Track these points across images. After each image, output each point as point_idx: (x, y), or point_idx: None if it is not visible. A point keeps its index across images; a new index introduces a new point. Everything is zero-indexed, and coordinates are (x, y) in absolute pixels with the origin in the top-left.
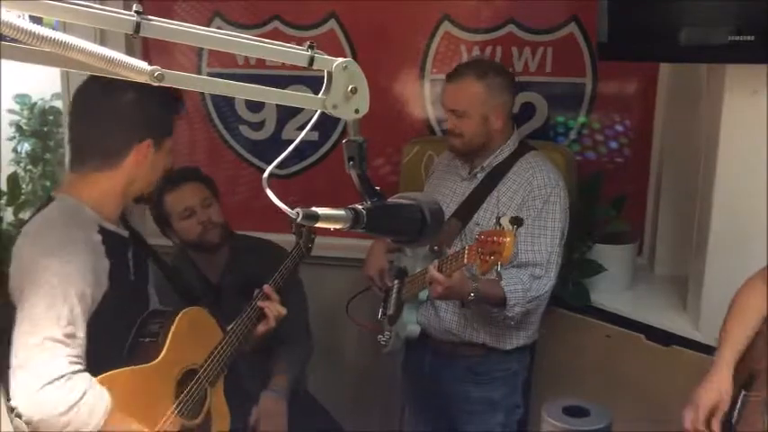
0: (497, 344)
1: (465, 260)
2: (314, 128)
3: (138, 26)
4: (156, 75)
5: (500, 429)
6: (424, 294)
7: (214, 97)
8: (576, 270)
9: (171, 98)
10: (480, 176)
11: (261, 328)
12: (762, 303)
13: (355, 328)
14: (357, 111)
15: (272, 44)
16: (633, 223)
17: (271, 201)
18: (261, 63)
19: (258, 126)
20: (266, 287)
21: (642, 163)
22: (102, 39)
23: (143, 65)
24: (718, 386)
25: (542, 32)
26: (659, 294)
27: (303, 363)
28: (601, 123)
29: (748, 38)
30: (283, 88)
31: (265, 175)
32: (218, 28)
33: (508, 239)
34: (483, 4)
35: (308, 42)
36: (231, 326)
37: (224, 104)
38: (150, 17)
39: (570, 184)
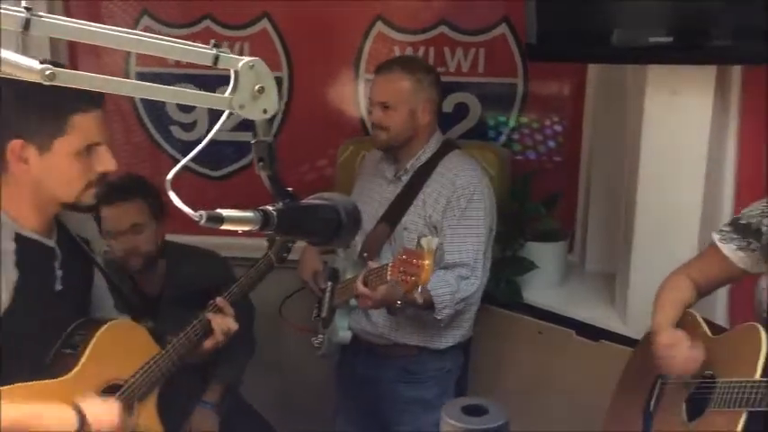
0: (430, 344)
1: (389, 277)
2: (249, 128)
3: (27, 23)
4: (47, 73)
5: (434, 429)
6: (354, 301)
7: (144, 98)
8: (508, 268)
9: (61, 97)
10: (405, 179)
11: (208, 342)
12: (680, 297)
13: (289, 329)
14: (265, 111)
15: (174, 42)
16: (564, 221)
17: (206, 203)
18: (193, 63)
19: (190, 127)
20: (219, 300)
21: (573, 162)
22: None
23: (33, 63)
24: (672, 334)
25: (474, 33)
26: (589, 291)
27: (242, 366)
28: (532, 123)
29: (668, 39)
30: (214, 89)
31: (169, 176)
32: (147, 27)
33: (427, 262)
34: (415, 4)
35: (213, 41)
36: (172, 341)
37: (155, 105)
38: (41, 14)
39: (504, 184)
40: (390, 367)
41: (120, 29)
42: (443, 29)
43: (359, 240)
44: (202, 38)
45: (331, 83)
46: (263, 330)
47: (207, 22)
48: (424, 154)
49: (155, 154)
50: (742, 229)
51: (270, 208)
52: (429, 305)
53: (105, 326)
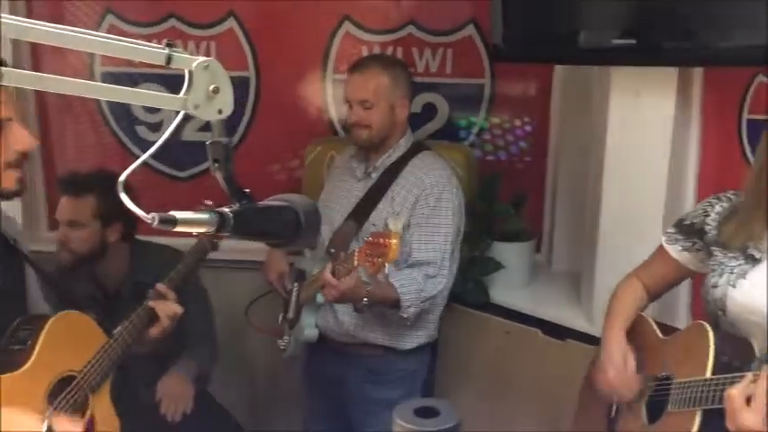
0: (397, 344)
1: (355, 262)
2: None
3: None
4: None
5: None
6: (321, 297)
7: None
8: (475, 268)
9: None
10: (375, 176)
11: (154, 329)
12: (632, 301)
13: (255, 332)
14: (221, 111)
15: (126, 42)
16: (532, 221)
17: (176, 204)
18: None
19: (156, 127)
20: (159, 285)
21: (540, 162)
22: None
23: None
24: (617, 346)
25: (442, 34)
26: (556, 290)
27: (210, 362)
28: (500, 123)
29: (631, 41)
30: (180, 90)
31: (121, 178)
32: (111, 26)
33: (394, 241)
34: (383, 5)
35: (166, 40)
36: (117, 329)
37: (120, 105)
38: None
39: (471, 184)
40: (357, 367)
41: (68, 27)
42: (411, 29)
43: (326, 237)
44: (167, 37)
45: (298, 83)
46: (230, 333)
47: (172, 21)
48: (395, 152)
49: (121, 155)
50: (686, 230)
51: (226, 210)
52: (395, 303)
53: (53, 318)
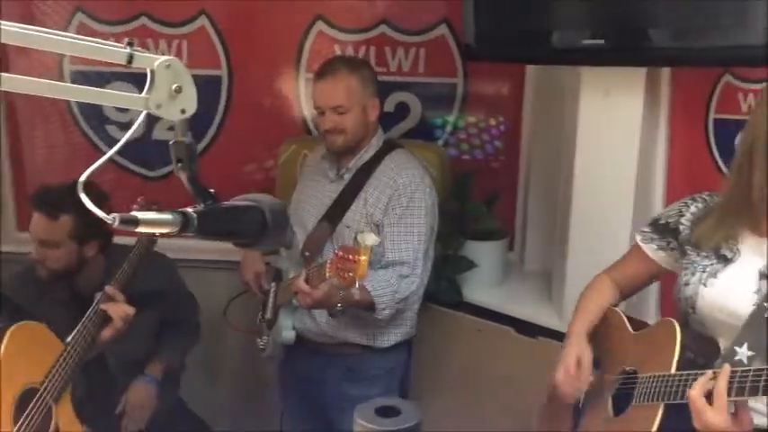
0: (374, 342)
1: (327, 274)
2: (189, 128)
3: None
4: None
5: None
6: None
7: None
8: (448, 266)
9: None
10: (347, 177)
11: (107, 331)
12: (601, 298)
13: (233, 331)
14: (184, 111)
15: (85, 40)
16: (505, 220)
17: (138, 204)
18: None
19: (126, 126)
20: (108, 288)
21: (512, 161)
22: None
23: None
24: (575, 347)
25: (414, 33)
26: (528, 289)
27: (185, 349)
28: (473, 123)
29: (600, 42)
30: None
31: (81, 179)
32: (80, 24)
33: (363, 258)
34: (356, 4)
35: (127, 39)
36: (70, 337)
37: (90, 105)
38: None
39: (444, 183)
40: (334, 366)
41: (29, 27)
42: (384, 28)
43: (301, 240)
44: (138, 35)
45: (271, 82)
46: (208, 333)
47: (143, 20)
48: (367, 153)
49: (91, 154)
50: (661, 229)
51: (190, 210)
52: (369, 305)
53: (10, 331)
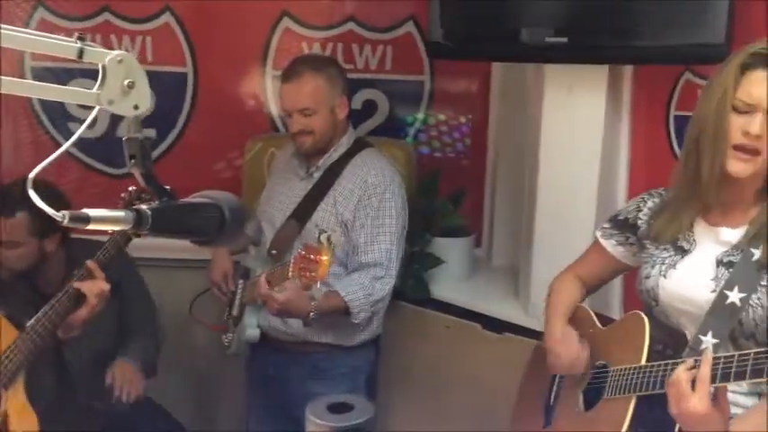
0: (341, 341)
1: (290, 274)
2: (150, 125)
3: None
4: None
5: None
6: None
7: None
8: (415, 264)
9: None
10: (317, 176)
11: (83, 310)
12: (570, 295)
13: (200, 329)
14: (137, 107)
15: (34, 35)
16: (472, 216)
17: (97, 201)
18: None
19: (90, 123)
20: (88, 262)
21: (479, 158)
22: None
23: None
24: (562, 329)
25: (381, 31)
26: (495, 284)
27: (154, 350)
28: (440, 120)
29: (563, 39)
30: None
31: (31, 175)
32: (42, 20)
33: (325, 258)
34: (323, 1)
35: (77, 34)
36: (30, 322)
37: (52, 102)
38: None
39: (410, 180)
40: (300, 365)
41: None
42: (351, 26)
43: (268, 237)
44: (101, 31)
45: (238, 79)
46: (175, 332)
47: (106, 15)
48: (336, 151)
49: (50, 150)
50: (621, 225)
51: (144, 207)
52: (344, 311)
53: None
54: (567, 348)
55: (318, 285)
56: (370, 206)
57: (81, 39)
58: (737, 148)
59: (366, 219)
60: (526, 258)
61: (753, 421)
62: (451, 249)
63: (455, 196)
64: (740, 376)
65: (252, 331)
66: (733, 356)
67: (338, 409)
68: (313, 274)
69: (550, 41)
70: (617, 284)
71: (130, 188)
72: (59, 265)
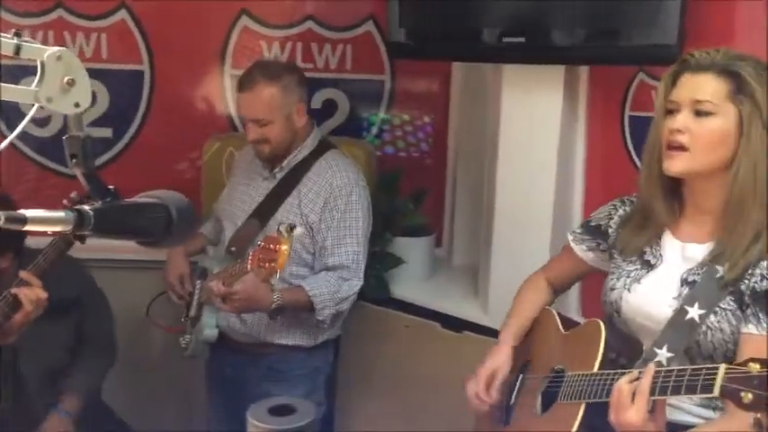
0: (299, 342)
1: (248, 266)
2: (106, 124)
3: None
4: None
5: None
6: None
7: None
8: (376, 263)
9: None
10: (280, 176)
11: (18, 316)
12: (536, 298)
13: (157, 332)
14: (77, 104)
15: None
16: (433, 216)
17: (55, 202)
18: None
19: (44, 122)
20: (23, 273)
21: (440, 158)
22: None
23: None
24: (496, 358)
25: (341, 30)
26: (455, 284)
27: (102, 372)
28: (400, 120)
29: (520, 39)
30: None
31: None
32: None
33: (284, 247)
34: (281, 0)
35: (14, 30)
36: None
37: (4, 101)
38: None
39: (371, 180)
40: (257, 367)
41: None
42: (310, 24)
43: (228, 236)
44: (55, 28)
45: (195, 77)
46: (131, 334)
47: (59, 12)
48: (301, 152)
49: (7, 152)
50: (592, 231)
51: (86, 207)
52: (308, 306)
53: None
54: (483, 394)
55: (277, 276)
56: (337, 209)
57: (18, 35)
58: (667, 146)
59: (332, 221)
60: (485, 258)
61: None
62: (412, 249)
63: (416, 196)
64: (677, 391)
65: (210, 331)
66: (672, 371)
67: (280, 411)
68: (272, 264)
69: (508, 42)
70: (575, 289)
71: (73, 194)
72: (12, 279)
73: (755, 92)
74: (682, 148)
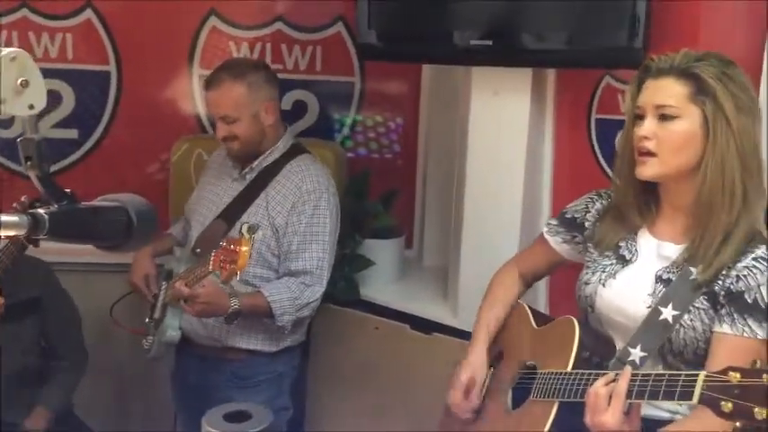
0: (262, 347)
1: (210, 267)
2: (71, 125)
3: None
4: None
5: None
6: None
7: None
8: (345, 266)
9: None
10: (250, 177)
11: None
12: (508, 292)
13: (122, 333)
14: (32, 106)
15: None
16: (403, 217)
17: (20, 204)
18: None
19: (7, 123)
20: None
21: (410, 159)
22: None
23: None
24: (473, 363)
25: (310, 31)
26: (425, 285)
27: (73, 385)
28: (370, 121)
29: (487, 42)
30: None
31: None
32: None
33: (244, 249)
34: (250, 0)
35: None
36: None
37: None
38: None
39: (341, 181)
40: (221, 372)
41: None
42: (280, 25)
43: (194, 236)
44: (19, 28)
45: (163, 78)
46: (96, 337)
47: (24, 12)
48: (272, 155)
49: None
50: (568, 223)
51: (41, 211)
52: (268, 312)
53: None
54: (465, 401)
55: (237, 278)
56: (304, 213)
57: None
58: (638, 153)
59: (299, 225)
60: (455, 259)
61: None
62: (382, 251)
63: (386, 197)
64: (654, 396)
65: (172, 332)
66: (650, 375)
67: (236, 417)
68: (233, 265)
69: (476, 44)
70: (542, 283)
71: (23, 198)
72: None
73: (716, 91)
74: (650, 153)
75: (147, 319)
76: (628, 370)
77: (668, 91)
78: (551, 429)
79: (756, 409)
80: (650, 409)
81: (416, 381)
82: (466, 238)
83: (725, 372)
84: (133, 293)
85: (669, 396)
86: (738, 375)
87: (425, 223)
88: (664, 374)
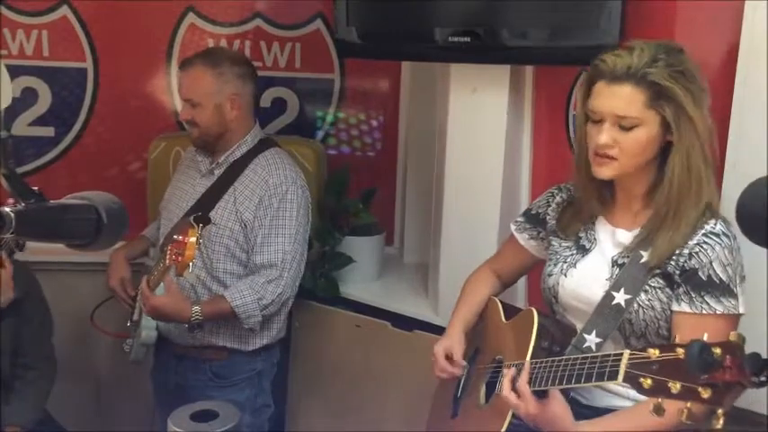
0: (240, 345)
1: (167, 262)
2: (48, 123)
3: None
4: None
5: (248, 430)
6: None
7: None
8: (326, 263)
9: None
10: (218, 173)
11: None
12: (482, 289)
13: (104, 338)
14: None
15: None
16: (384, 214)
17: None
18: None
19: None
20: None
21: (390, 156)
22: None
23: None
24: (450, 336)
25: (289, 28)
26: (406, 282)
27: (44, 396)
28: (350, 118)
29: (465, 39)
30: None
31: None
32: None
33: (191, 239)
34: None
35: None
36: None
37: None
38: None
39: (321, 179)
40: (200, 372)
41: None
42: (258, 22)
43: (163, 233)
44: None
45: (141, 75)
46: (75, 339)
47: None
48: (239, 149)
49: None
50: (532, 219)
51: (6, 209)
52: (233, 315)
53: None
54: (447, 366)
55: (190, 270)
56: (270, 207)
57: None
58: (596, 154)
59: (265, 219)
60: (434, 257)
61: (605, 423)
62: (362, 248)
63: (366, 195)
64: (585, 379)
65: (148, 332)
66: (577, 359)
67: (203, 416)
68: (181, 257)
69: (454, 41)
70: (521, 280)
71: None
72: None
73: (676, 94)
74: (610, 157)
75: (128, 323)
76: (527, 363)
77: (626, 99)
78: (513, 421)
79: (670, 383)
80: (616, 400)
81: (398, 378)
82: (446, 234)
83: (644, 349)
84: (113, 298)
85: (599, 377)
86: (657, 351)
87: (406, 220)
88: (596, 356)
